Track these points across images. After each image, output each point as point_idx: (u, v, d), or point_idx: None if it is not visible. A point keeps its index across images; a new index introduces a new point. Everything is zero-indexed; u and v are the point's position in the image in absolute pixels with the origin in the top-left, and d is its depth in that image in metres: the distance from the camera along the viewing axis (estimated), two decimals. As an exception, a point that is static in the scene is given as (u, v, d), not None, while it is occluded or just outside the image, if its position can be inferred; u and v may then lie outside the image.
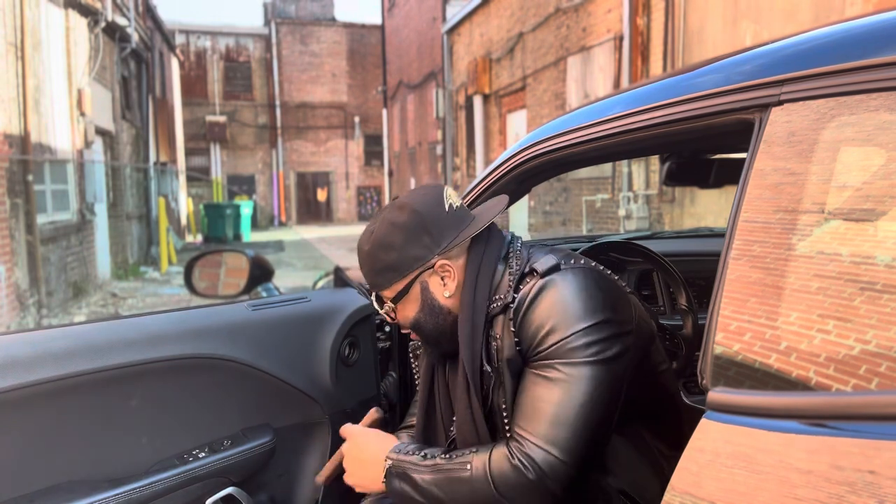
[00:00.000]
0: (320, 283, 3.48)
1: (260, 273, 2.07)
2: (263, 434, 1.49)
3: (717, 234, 2.35)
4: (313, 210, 26.49)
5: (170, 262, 12.45)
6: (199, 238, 18.72)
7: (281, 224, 25.33)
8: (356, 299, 1.73)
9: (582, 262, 1.20)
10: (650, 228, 7.28)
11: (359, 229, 21.99)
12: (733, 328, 0.86)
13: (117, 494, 1.24)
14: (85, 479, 1.25)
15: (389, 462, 1.22)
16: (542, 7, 10.04)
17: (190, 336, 1.40)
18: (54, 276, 7.84)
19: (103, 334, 1.30)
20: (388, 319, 1.31)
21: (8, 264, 6.56)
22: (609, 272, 1.25)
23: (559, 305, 1.12)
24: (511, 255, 1.23)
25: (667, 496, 0.85)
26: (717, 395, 0.85)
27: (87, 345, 1.26)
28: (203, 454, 1.40)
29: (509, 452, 1.10)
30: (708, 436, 0.84)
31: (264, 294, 2.15)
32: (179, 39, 23.48)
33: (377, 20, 26.26)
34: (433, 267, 1.21)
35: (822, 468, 0.71)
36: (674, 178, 1.81)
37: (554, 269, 1.15)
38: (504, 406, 1.18)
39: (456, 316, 1.23)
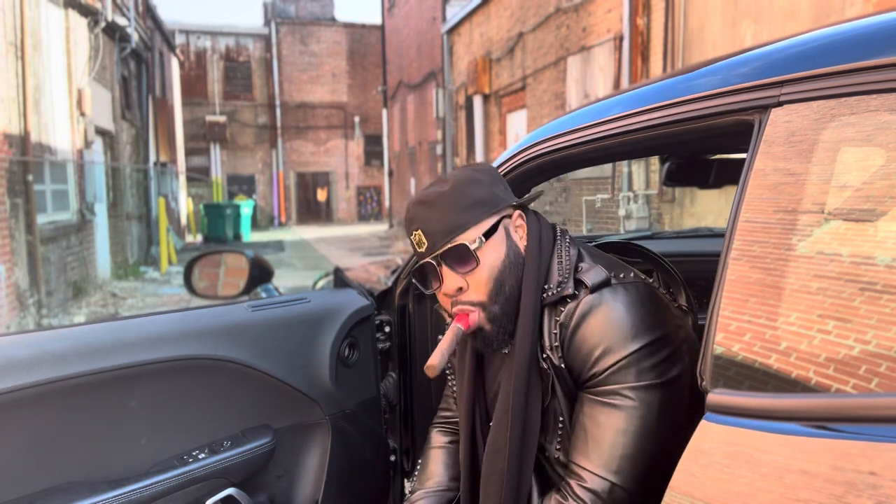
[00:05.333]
0: (320, 284, 3.49)
1: (260, 273, 2.07)
2: (263, 435, 1.49)
3: (717, 234, 2.34)
4: (313, 210, 26.48)
5: (170, 262, 12.44)
6: (199, 238, 18.71)
7: (281, 224, 25.31)
8: (356, 300, 1.73)
9: (632, 275, 1.14)
10: (650, 228, 7.28)
11: (359, 229, 21.99)
12: (733, 328, 0.86)
13: (117, 496, 1.24)
14: (84, 480, 1.25)
15: None
16: (542, 7, 10.03)
17: (190, 337, 1.40)
18: (54, 276, 7.84)
19: (103, 335, 1.30)
20: (457, 283, 1.14)
21: (8, 264, 6.56)
22: (658, 286, 1.19)
23: (613, 324, 1.04)
24: (560, 245, 1.18)
25: (667, 497, 0.85)
26: (717, 396, 0.85)
27: (87, 346, 1.26)
28: (203, 455, 1.39)
29: (567, 493, 1.03)
30: (708, 437, 0.84)
31: (264, 295, 2.15)
32: (179, 39, 23.47)
33: (377, 20, 26.30)
34: (511, 216, 1.20)
35: (822, 470, 0.70)
36: (674, 178, 1.81)
37: (604, 283, 1.08)
38: (561, 423, 1.11)
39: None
